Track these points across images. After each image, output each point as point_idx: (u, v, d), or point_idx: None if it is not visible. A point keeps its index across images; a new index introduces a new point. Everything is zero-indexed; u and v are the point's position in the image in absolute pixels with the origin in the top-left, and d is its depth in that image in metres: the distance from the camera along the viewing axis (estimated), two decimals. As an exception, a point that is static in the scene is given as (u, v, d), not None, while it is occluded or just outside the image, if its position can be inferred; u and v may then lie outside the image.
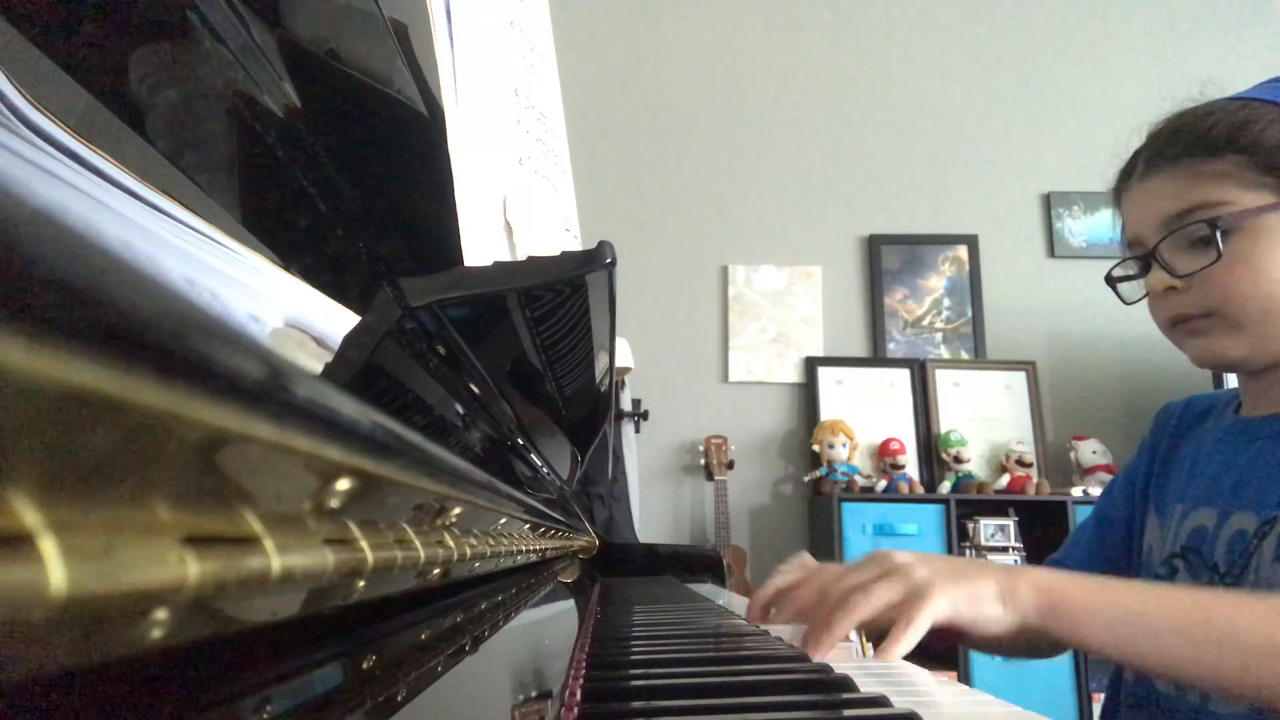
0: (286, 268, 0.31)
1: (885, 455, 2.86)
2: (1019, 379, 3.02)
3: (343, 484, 0.16)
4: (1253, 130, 0.77)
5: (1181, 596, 0.67)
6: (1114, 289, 0.90)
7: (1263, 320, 0.77)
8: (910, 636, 0.64)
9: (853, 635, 0.70)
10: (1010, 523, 2.68)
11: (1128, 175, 0.86)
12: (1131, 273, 0.88)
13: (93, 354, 0.08)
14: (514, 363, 0.58)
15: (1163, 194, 0.81)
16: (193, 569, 0.11)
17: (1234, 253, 0.76)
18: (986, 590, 0.65)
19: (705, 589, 1.47)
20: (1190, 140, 0.80)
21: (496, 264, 0.47)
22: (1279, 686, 0.60)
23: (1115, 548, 0.95)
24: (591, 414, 0.92)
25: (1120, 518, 0.95)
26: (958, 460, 2.84)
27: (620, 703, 0.45)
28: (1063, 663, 2.43)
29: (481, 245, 0.60)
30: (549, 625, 0.67)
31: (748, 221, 3.15)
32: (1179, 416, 0.95)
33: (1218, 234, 0.76)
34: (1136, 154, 0.86)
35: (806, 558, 0.83)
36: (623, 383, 2.46)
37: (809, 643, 0.65)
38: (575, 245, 0.95)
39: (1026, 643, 0.71)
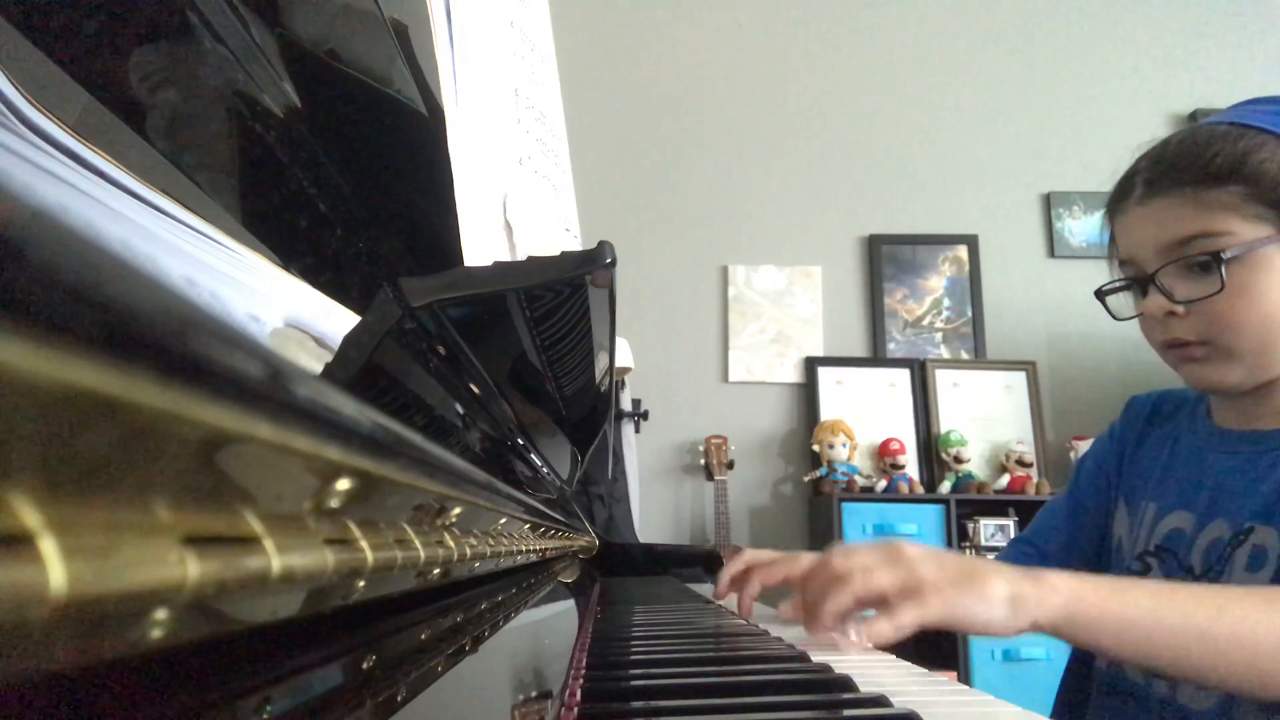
0: (286, 268, 0.31)
1: (885, 455, 2.86)
2: (1019, 379, 3.01)
3: (343, 484, 0.16)
4: (1254, 161, 0.78)
5: (1192, 595, 0.67)
6: (1104, 304, 0.90)
7: (1259, 350, 0.79)
8: (889, 630, 0.65)
9: (851, 633, 0.72)
10: (1010, 523, 2.68)
11: (1124, 195, 0.86)
12: (1121, 288, 0.88)
13: (93, 354, 0.08)
14: (514, 363, 0.58)
15: (1164, 220, 0.81)
16: (193, 569, 0.11)
17: (1234, 283, 0.77)
18: (994, 593, 0.66)
19: (706, 589, 1.48)
20: (1194, 169, 0.80)
21: (496, 264, 0.47)
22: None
23: (1089, 533, 0.98)
24: (591, 414, 0.92)
25: (1094, 505, 0.98)
26: (958, 460, 2.84)
27: (620, 703, 0.45)
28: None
29: (481, 245, 0.60)
30: (549, 625, 0.67)
31: (748, 221, 3.14)
32: (1151, 410, 0.97)
33: (1221, 265, 0.77)
34: (1133, 174, 0.86)
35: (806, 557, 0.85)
36: (623, 383, 2.46)
37: (807, 622, 0.69)
38: (575, 245, 0.95)
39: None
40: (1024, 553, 1.02)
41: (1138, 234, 0.84)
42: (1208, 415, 0.90)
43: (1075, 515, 1.00)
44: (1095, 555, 0.97)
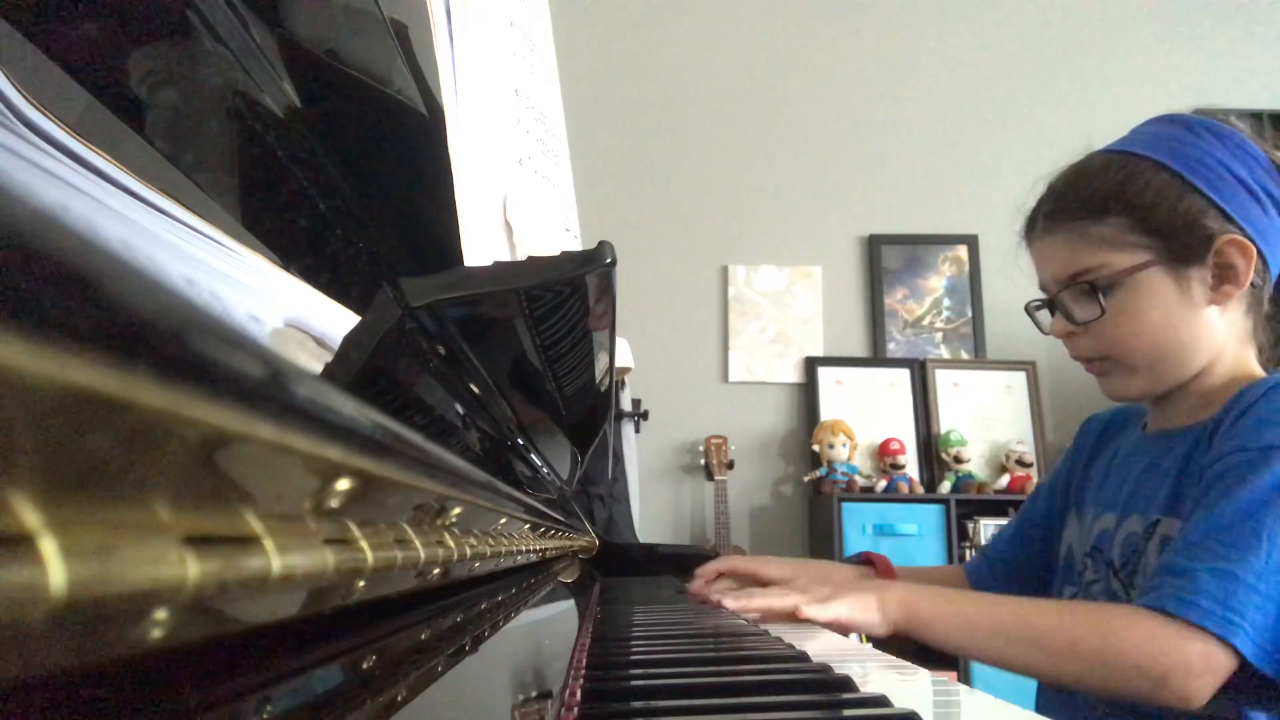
0: (286, 268, 0.31)
1: (885, 455, 2.86)
2: (1019, 379, 3.01)
3: (343, 484, 0.16)
4: (1130, 190, 0.86)
5: (1008, 605, 0.82)
6: (1033, 319, 0.98)
7: (1152, 362, 0.87)
8: (822, 613, 0.84)
9: (853, 636, 0.85)
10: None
11: (1030, 227, 0.95)
12: (1039, 307, 0.97)
13: (93, 354, 0.08)
14: (514, 363, 0.58)
15: (1055, 254, 0.91)
16: (193, 569, 0.11)
17: (1116, 307, 0.86)
18: (870, 602, 0.83)
19: (705, 589, 1.47)
20: (1075, 203, 0.90)
21: (496, 264, 0.47)
22: (1080, 678, 0.76)
23: (1033, 545, 1.06)
24: (591, 414, 0.92)
25: (1039, 518, 1.06)
26: (958, 460, 2.83)
27: (620, 703, 0.45)
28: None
29: (481, 245, 0.60)
30: (549, 625, 0.67)
31: (748, 221, 3.14)
32: (1104, 426, 1.05)
33: (1099, 294, 0.87)
34: (1037, 206, 0.95)
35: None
36: (623, 383, 2.46)
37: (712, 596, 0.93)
38: (575, 245, 0.95)
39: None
40: (978, 564, 1.12)
41: (1041, 264, 0.94)
42: (1143, 425, 0.97)
43: (1020, 530, 1.09)
44: (1042, 566, 1.04)
